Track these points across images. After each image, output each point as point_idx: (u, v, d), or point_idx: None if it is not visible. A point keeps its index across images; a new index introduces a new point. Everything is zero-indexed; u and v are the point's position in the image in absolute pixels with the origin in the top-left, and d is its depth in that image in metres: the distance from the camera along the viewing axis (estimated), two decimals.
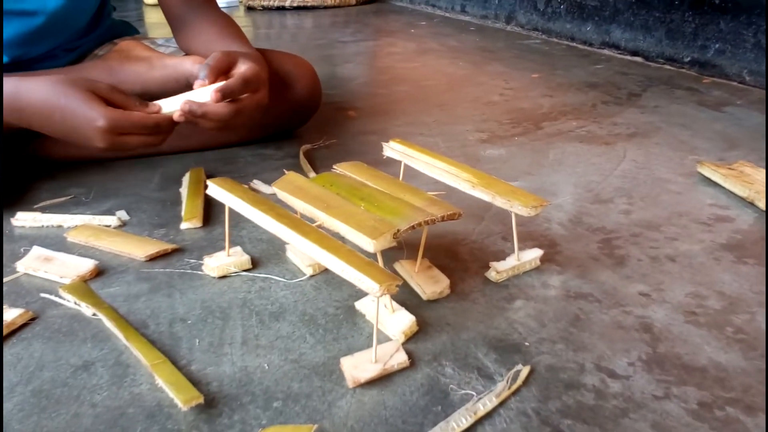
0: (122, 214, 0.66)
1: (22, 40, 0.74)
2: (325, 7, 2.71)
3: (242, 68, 0.64)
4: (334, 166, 0.57)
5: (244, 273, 0.54)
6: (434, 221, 0.46)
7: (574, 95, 1.12)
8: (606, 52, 1.49)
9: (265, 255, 0.57)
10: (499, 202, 0.51)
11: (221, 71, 0.63)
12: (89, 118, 0.58)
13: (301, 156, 0.82)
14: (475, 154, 0.83)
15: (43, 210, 0.67)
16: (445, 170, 0.56)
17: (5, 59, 0.74)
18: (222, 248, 0.57)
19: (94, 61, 0.81)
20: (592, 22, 1.53)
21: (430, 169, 0.57)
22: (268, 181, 0.74)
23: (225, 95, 0.61)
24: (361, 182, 0.53)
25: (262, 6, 2.74)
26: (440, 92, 1.17)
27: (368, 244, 0.42)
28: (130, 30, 0.93)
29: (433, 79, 1.29)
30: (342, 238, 0.45)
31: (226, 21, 0.81)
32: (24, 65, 0.76)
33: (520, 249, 0.54)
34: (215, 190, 0.52)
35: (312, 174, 0.77)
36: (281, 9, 2.71)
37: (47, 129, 0.62)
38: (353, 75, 1.35)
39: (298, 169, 0.78)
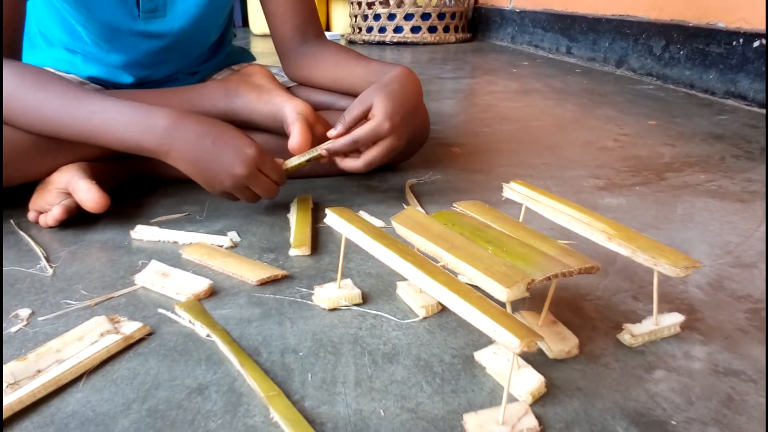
0: (233, 235, 0.67)
1: (150, 61, 0.78)
2: (425, 44, 2.75)
3: (374, 111, 0.66)
4: (454, 204, 0.54)
5: (354, 307, 0.52)
6: (571, 274, 0.42)
7: (698, 146, 1.03)
8: (730, 102, 1.38)
9: (374, 290, 0.55)
10: (641, 258, 0.46)
11: (357, 124, 0.67)
12: (242, 144, 0.63)
13: (407, 190, 0.81)
14: (592, 201, 0.78)
15: (160, 225, 0.69)
16: (576, 218, 0.51)
17: (131, 79, 0.79)
18: (330, 279, 0.56)
19: (213, 81, 0.83)
20: (715, 69, 1.43)
21: (556, 214, 0.53)
22: (374, 213, 0.73)
23: (331, 154, 0.69)
24: (484, 223, 0.50)
25: (363, 40, 2.83)
26: (548, 134, 1.13)
27: (501, 293, 0.39)
28: (248, 57, 0.96)
29: (538, 119, 1.25)
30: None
31: (346, 49, 0.82)
32: (147, 87, 0.80)
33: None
34: (334, 219, 0.51)
35: (419, 209, 0.75)
36: (381, 44, 2.79)
37: (190, 153, 0.63)
38: (454, 111, 1.34)
39: (404, 202, 0.76)
